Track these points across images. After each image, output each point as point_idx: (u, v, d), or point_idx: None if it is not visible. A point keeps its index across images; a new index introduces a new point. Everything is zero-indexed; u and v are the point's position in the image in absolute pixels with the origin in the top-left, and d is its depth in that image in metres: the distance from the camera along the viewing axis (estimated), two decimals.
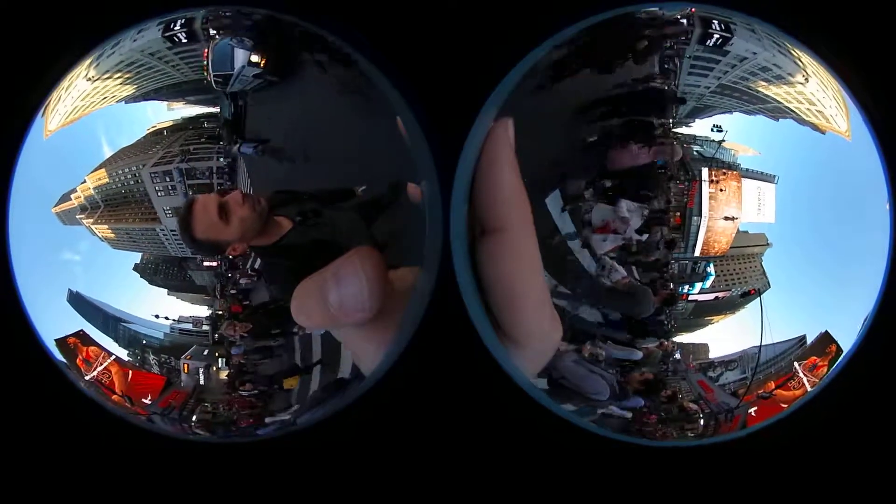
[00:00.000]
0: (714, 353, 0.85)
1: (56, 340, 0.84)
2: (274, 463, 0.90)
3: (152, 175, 0.79)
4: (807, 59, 0.86)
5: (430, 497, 0.90)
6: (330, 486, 0.90)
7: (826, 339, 0.84)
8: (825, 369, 0.84)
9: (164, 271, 0.80)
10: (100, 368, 0.83)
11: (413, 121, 0.84)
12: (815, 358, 0.84)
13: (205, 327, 0.82)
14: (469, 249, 0.80)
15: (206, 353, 0.83)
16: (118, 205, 0.79)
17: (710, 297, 0.84)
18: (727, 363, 0.84)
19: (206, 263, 0.80)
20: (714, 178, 0.84)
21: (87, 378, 0.84)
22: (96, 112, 0.80)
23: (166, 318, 0.82)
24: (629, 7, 0.85)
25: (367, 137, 0.86)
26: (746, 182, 0.85)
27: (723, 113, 0.85)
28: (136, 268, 0.80)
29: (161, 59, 0.80)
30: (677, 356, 0.84)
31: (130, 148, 0.79)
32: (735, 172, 0.84)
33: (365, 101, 0.86)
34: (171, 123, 0.80)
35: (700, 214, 0.84)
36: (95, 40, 0.83)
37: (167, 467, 0.88)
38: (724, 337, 0.85)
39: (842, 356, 0.85)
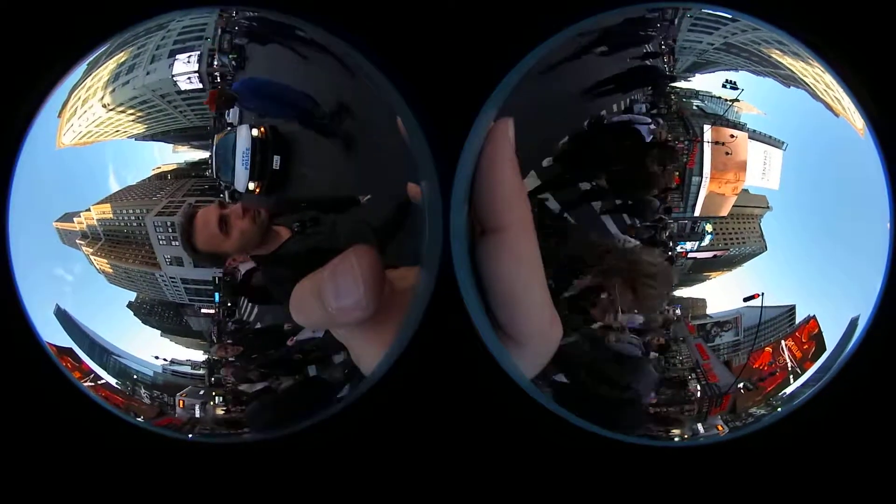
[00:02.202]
0: (711, 310, 0.83)
1: (49, 344, 0.84)
2: (274, 463, 0.89)
3: (155, 224, 0.80)
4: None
5: (431, 497, 0.90)
6: (330, 486, 0.90)
7: (816, 335, 0.83)
8: (811, 351, 0.84)
9: (159, 313, 0.81)
10: (90, 384, 0.84)
11: (413, 121, 0.84)
12: (798, 338, 0.83)
13: (200, 371, 0.83)
14: (469, 249, 0.80)
15: (202, 392, 0.83)
16: (119, 242, 0.80)
17: (709, 254, 0.82)
18: (723, 324, 0.83)
19: (203, 311, 0.81)
20: (718, 138, 0.81)
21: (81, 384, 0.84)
22: (108, 142, 0.81)
23: (163, 360, 0.83)
24: (630, 7, 0.85)
25: (367, 137, 0.86)
26: (752, 144, 0.81)
27: (727, 70, 0.81)
28: (131, 306, 0.81)
29: (170, 102, 0.81)
30: (678, 311, 0.83)
31: (136, 188, 0.80)
32: (741, 133, 0.81)
33: (364, 101, 0.86)
34: (175, 167, 0.81)
35: (700, 175, 0.82)
36: (95, 41, 0.83)
37: (166, 467, 0.88)
38: (721, 296, 0.83)
39: (840, 357, 0.85)
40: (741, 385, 0.84)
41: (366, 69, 0.85)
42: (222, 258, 0.81)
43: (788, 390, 0.85)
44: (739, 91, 0.81)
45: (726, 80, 0.81)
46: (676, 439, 0.86)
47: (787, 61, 0.83)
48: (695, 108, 0.82)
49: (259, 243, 0.81)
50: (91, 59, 0.83)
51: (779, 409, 0.85)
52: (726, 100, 0.81)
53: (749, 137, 0.82)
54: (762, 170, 0.81)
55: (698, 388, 0.83)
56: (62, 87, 0.83)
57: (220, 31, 0.83)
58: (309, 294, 0.77)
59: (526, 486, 0.90)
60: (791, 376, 0.84)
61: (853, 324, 0.84)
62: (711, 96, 0.82)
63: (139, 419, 0.84)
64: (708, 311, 0.83)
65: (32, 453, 0.88)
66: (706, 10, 0.83)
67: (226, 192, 0.80)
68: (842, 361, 0.84)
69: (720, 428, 0.85)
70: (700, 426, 0.85)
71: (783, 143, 0.81)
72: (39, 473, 0.88)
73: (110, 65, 0.82)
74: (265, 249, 0.82)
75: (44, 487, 0.88)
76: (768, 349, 0.84)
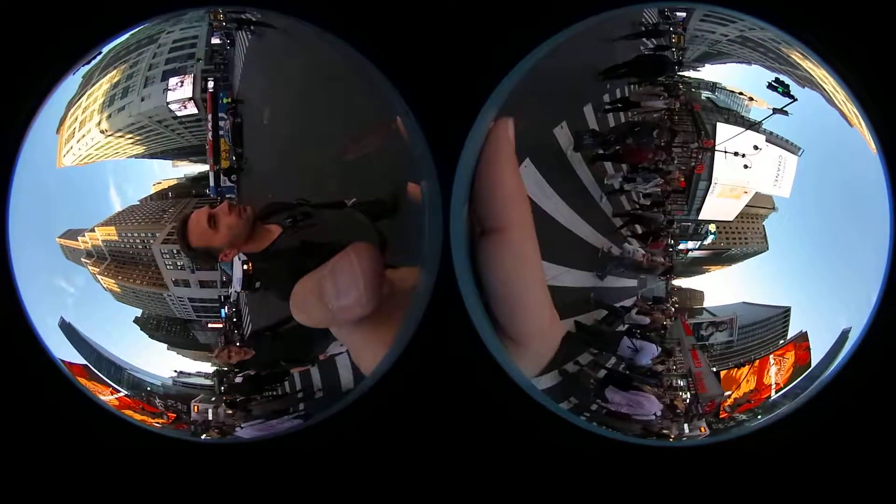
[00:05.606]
0: (707, 304, 0.82)
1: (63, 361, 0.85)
2: (274, 463, 0.90)
3: (162, 252, 0.81)
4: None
5: (430, 497, 0.90)
6: (330, 485, 0.90)
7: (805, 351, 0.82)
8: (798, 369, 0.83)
9: (166, 328, 0.83)
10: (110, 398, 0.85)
11: (413, 121, 0.84)
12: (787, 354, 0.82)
13: (209, 382, 0.84)
14: (469, 249, 0.80)
15: (213, 399, 0.85)
16: (125, 263, 0.82)
17: (708, 252, 0.80)
18: (718, 324, 0.82)
19: (210, 325, 0.83)
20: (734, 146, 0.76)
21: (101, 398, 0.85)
22: (108, 161, 0.82)
23: (173, 371, 0.84)
24: (629, 7, 0.85)
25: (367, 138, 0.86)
26: (768, 147, 0.77)
27: (739, 62, 0.77)
28: (137, 321, 0.82)
29: (167, 126, 0.82)
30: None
31: (139, 210, 0.81)
32: (759, 136, 0.76)
33: (365, 102, 0.86)
34: (175, 182, 0.82)
35: (709, 179, 0.78)
36: (91, 42, 0.84)
37: (168, 467, 0.88)
38: (717, 294, 0.82)
39: (836, 362, 0.85)
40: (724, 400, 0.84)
41: (366, 69, 0.85)
42: (214, 253, 0.82)
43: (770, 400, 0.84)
44: (790, 101, 0.76)
45: (776, 81, 0.77)
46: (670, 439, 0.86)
47: (807, 65, 0.80)
48: (703, 99, 0.79)
49: (248, 237, 0.82)
50: (84, 72, 0.84)
51: (759, 418, 0.85)
52: (775, 110, 0.77)
53: (767, 140, 0.78)
54: (775, 175, 0.78)
55: (686, 397, 0.83)
56: (58, 99, 0.84)
57: (211, 41, 0.83)
58: (309, 292, 0.77)
59: (525, 486, 0.90)
60: (775, 393, 0.84)
61: (843, 336, 0.83)
62: (723, 89, 0.79)
63: (156, 425, 0.86)
64: (705, 307, 0.82)
65: (45, 460, 0.88)
66: (719, 11, 0.80)
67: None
68: (828, 376, 0.83)
69: (702, 429, 0.85)
70: (686, 427, 0.85)
71: (800, 148, 0.79)
72: (45, 474, 0.88)
73: (104, 84, 0.83)
74: (257, 247, 0.83)
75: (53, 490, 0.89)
76: (758, 364, 0.83)
